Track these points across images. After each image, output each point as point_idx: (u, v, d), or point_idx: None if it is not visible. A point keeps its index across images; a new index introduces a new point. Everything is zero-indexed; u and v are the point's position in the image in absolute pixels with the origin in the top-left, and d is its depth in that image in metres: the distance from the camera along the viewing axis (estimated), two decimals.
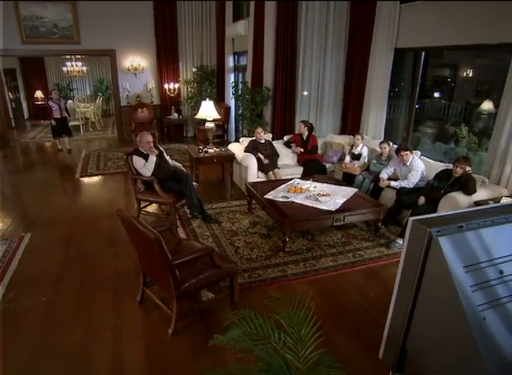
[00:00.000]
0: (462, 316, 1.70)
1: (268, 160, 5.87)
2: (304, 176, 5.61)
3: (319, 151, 6.44)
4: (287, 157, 6.39)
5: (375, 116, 6.32)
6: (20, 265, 4.02)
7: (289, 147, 6.39)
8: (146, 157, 4.74)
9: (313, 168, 5.90)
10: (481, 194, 4.23)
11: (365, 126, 6.51)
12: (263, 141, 6.01)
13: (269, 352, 1.68)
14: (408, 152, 4.84)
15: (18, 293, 3.54)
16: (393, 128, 6.77)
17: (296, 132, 6.60)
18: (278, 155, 6.11)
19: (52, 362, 2.77)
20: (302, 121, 6.41)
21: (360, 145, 5.86)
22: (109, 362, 2.75)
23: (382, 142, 5.52)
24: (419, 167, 4.80)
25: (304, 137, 6.29)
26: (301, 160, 6.22)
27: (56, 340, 2.97)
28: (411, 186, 4.78)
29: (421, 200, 4.47)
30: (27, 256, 4.21)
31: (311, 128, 6.32)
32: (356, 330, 3.09)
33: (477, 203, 4.11)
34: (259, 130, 6.02)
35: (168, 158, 5.10)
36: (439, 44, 5.17)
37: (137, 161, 4.73)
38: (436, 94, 8.06)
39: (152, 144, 4.80)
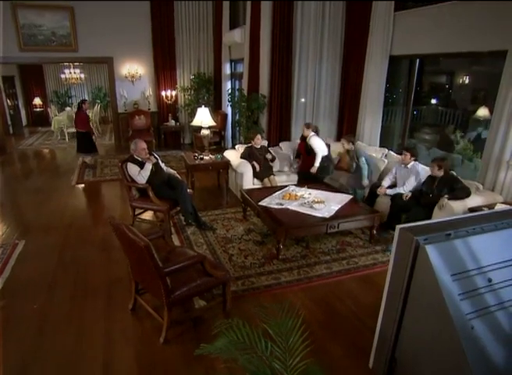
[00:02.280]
0: (450, 325, 1.69)
1: (262, 166, 5.85)
2: (299, 184, 5.59)
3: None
4: (283, 163, 6.38)
5: (370, 123, 6.33)
6: (13, 272, 4.00)
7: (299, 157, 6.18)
8: (141, 164, 4.74)
9: (308, 176, 5.85)
10: (475, 200, 4.23)
11: (361, 133, 6.53)
12: (259, 147, 6.00)
13: (254, 362, 1.66)
14: (408, 154, 4.84)
15: (10, 300, 3.51)
16: (389, 135, 6.79)
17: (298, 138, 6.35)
18: (274, 158, 6.07)
19: (42, 370, 2.74)
20: (306, 123, 6.10)
21: (310, 134, 5.76)
22: (99, 370, 2.73)
23: (342, 137, 5.66)
24: (419, 172, 4.81)
25: (309, 146, 5.97)
26: (301, 167, 6.09)
27: (46, 347, 2.94)
28: (407, 191, 4.77)
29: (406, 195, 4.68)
30: (21, 263, 4.19)
31: (316, 132, 5.96)
32: (349, 338, 3.06)
33: (471, 210, 4.11)
34: (259, 136, 6.01)
35: (163, 165, 5.10)
36: (432, 51, 5.21)
37: (132, 168, 4.72)
38: (432, 101, 8.08)
39: (147, 151, 4.81)
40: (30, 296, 3.58)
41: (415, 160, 4.87)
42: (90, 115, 12.08)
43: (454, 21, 4.75)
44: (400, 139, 6.36)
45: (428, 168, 5.13)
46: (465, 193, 4.23)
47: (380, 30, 5.82)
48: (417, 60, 5.72)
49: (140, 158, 4.76)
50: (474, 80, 7.05)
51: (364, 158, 5.45)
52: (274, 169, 6.10)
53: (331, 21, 6.68)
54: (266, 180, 5.84)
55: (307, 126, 5.95)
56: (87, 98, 11.89)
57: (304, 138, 6.07)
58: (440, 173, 4.43)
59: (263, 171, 5.85)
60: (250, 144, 6.06)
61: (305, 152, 6.04)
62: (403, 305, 1.88)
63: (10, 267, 4.08)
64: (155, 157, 4.97)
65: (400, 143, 6.22)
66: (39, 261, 4.26)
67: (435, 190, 4.46)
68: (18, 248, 4.52)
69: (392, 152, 5.85)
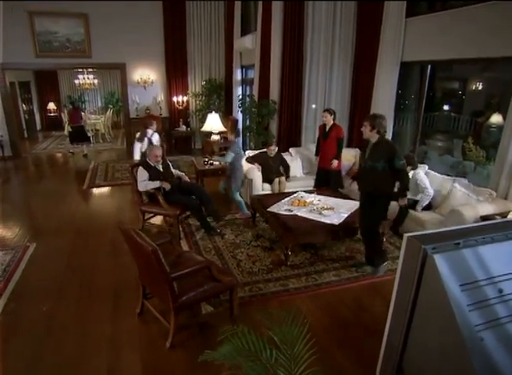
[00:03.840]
0: (458, 336, 1.65)
1: (274, 171, 5.85)
2: (316, 187, 5.53)
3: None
4: (296, 168, 6.34)
5: None
6: (23, 275, 4.05)
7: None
8: (151, 169, 4.77)
9: (327, 174, 5.63)
10: (487, 208, 4.15)
11: None
12: (272, 155, 5.96)
13: (258, 369, 1.65)
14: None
15: (19, 303, 3.56)
16: (400, 141, 6.73)
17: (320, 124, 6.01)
18: (288, 166, 6.05)
19: (46, 373, 2.76)
20: (326, 110, 5.66)
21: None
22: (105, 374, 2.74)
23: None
24: (417, 182, 4.76)
25: (327, 128, 5.55)
26: (321, 163, 5.72)
27: (53, 350, 2.97)
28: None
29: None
30: (31, 266, 4.25)
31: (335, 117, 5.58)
32: (356, 347, 3.02)
33: (483, 218, 4.03)
34: (272, 146, 5.95)
35: (172, 169, 5.12)
36: (444, 57, 5.16)
37: (141, 173, 4.75)
38: (445, 107, 7.99)
39: (160, 159, 4.83)
40: (39, 299, 3.62)
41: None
42: (103, 119, 12.44)
43: (466, 27, 4.70)
44: (411, 145, 6.29)
45: (434, 173, 5.10)
46: (407, 180, 3.76)
47: (391, 36, 5.79)
48: (429, 66, 5.67)
49: (152, 164, 4.80)
50: (487, 86, 6.97)
51: (232, 155, 5.23)
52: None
53: (342, 27, 6.67)
54: (277, 180, 5.77)
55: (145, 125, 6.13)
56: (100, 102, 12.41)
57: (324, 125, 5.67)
58: (374, 136, 3.70)
59: (272, 173, 5.82)
60: (265, 150, 6.04)
61: (321, 137, 5.65)
62: (411, 315, 1.85)
63: (21, 270, 4.14)
64: (167, 163, 5.00)
65: (412, 149, 6.15)
66: (49, 264, 4.32)
67: (368, 161, 3.77)
68: (29, 251, 4.58)
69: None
